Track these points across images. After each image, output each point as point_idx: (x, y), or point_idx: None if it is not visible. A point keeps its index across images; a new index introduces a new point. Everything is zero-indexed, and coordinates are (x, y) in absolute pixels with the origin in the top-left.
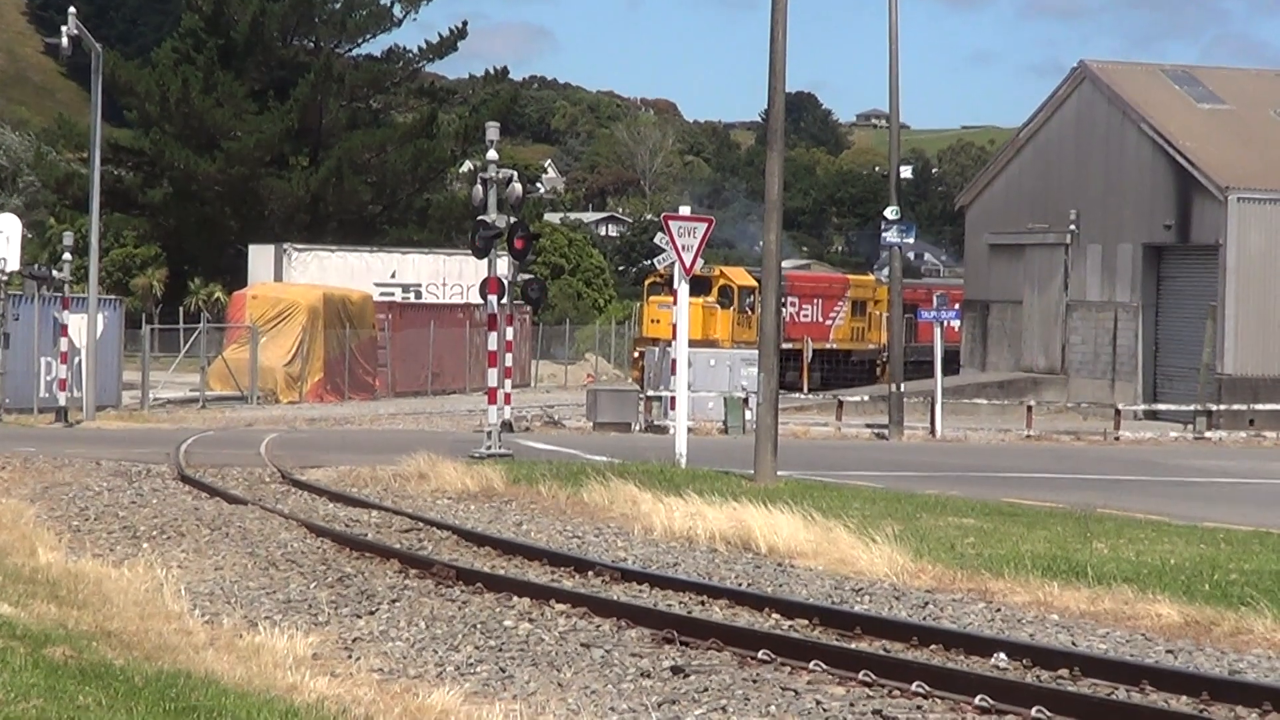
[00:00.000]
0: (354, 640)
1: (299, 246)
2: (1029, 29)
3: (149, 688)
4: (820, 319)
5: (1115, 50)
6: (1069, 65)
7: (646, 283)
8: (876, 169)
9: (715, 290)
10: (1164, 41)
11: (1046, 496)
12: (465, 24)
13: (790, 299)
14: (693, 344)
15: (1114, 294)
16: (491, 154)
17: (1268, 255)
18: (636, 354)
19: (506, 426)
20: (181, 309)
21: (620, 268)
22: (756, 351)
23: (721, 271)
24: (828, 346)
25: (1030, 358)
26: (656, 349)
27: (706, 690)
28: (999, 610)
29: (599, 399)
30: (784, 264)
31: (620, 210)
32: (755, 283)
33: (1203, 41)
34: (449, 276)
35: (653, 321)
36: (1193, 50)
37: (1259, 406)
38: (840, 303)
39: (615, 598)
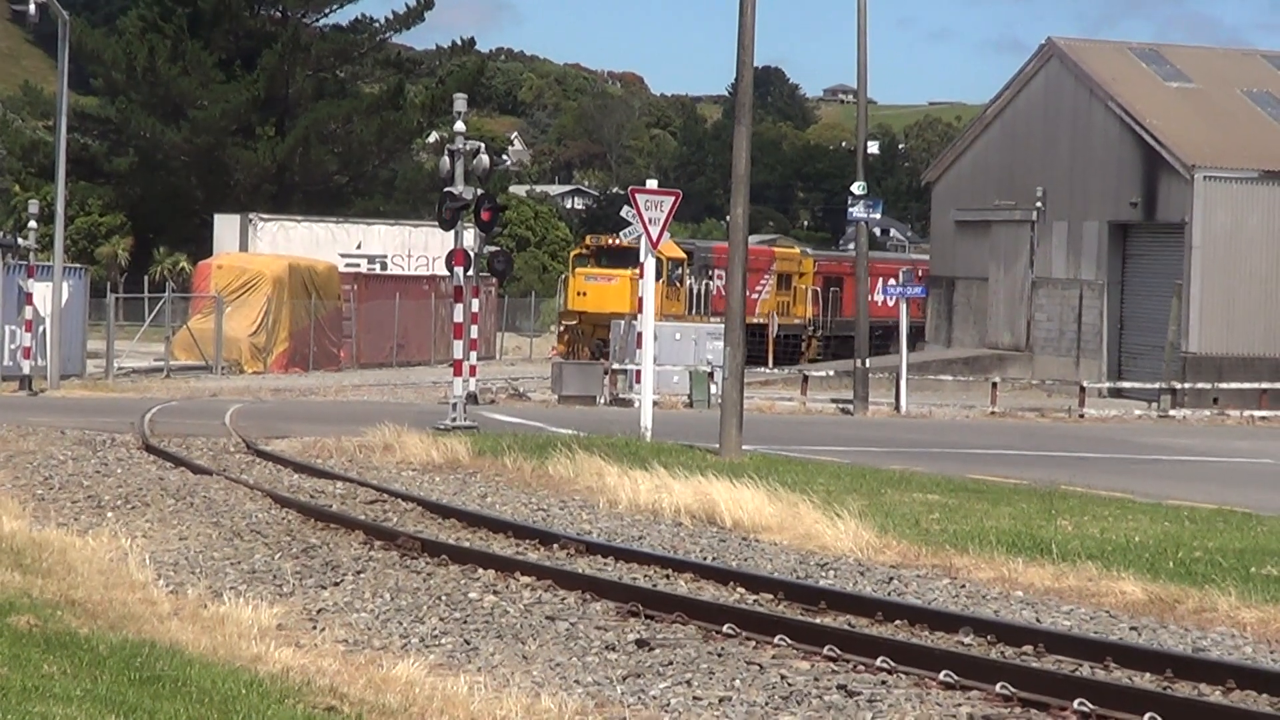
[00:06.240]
0: (319, 611)
1: (264, 216)
2: (986, 6)
3: (113, 657)
4: (746, 292)
5: (1071, 28)
6: (1027, 42)
7: (572, 255)
8: (843, 144)
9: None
10: (1120, 20)
11: (1011, 473)
12: None
13: (717, 271)
14: (618, 317)
15: (1079, 271)
16: (459, 125)
17: (1233, 234)
18: (561, 328)
19: (471, 398)
20: (147, 278)
21: None
22: (722, 326)
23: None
24: (753, 321)
25: (995, 334)
26: (622, 322)
27: (671, 663)
28: (964, 586)
29: (564, 372)
30: (751, 238)
31: (586, 183)
32: (684, 255)
33: (1158, 20)
34: (414, 248)
35: (579, 294)
36: (1148, 28)
37: (1223, 385)
38: (766, 276)
39: (580, 570)
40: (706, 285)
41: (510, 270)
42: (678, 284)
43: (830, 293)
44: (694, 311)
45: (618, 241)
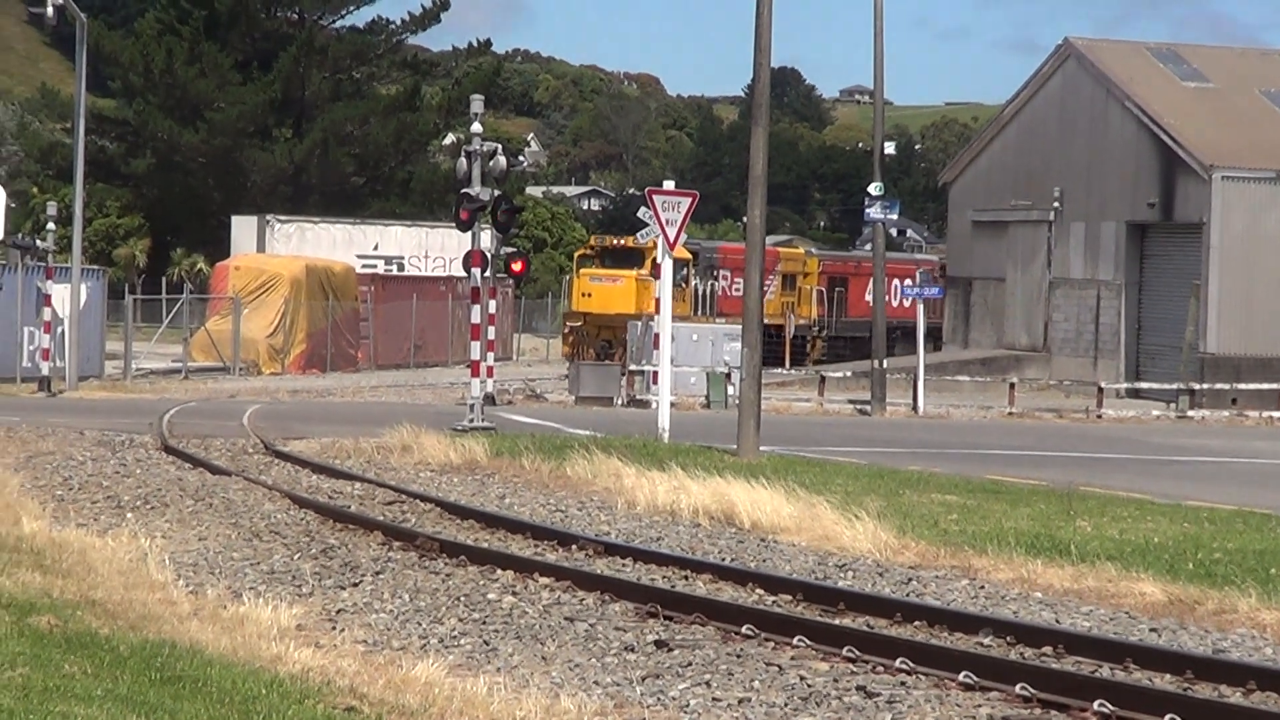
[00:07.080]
0: (338, 612)
1: (282, 218)
2: (1000, 6)
3: (134, 657)
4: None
5: (1085, 27)
6: (1041, 42)
7: (577, 255)
8: (860, 145)
9: (648, 263)
10: (1134, 19)
11: (1029, 474)
12: None
13: (722, 272)
14: (622, 317)
15: (1097, 272)
16: (476, 126)
17: (1251, 234)
18: (567, 329)
19: (488, 399)
20: (164, 279)
21: None
22: (739, 327)
23: (655, 243)
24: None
25: (1013, 335)
26: (639, 323)
27: (690, 664)
28: (982, 587)
29: (581, 373)
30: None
31: (603, 184)
32: (689, 255)
33: (1172, 19)
34: (431, 249)
35: (584, 295)
36: (1163, 27)
37: (1241, 386)
38: (771, 276)
39: (599, 571)
40: (712, 286)
41: (527, 271)
42: (683, 284)
43: (835, 293)
44: (699, 312)
45: (622, 242)
